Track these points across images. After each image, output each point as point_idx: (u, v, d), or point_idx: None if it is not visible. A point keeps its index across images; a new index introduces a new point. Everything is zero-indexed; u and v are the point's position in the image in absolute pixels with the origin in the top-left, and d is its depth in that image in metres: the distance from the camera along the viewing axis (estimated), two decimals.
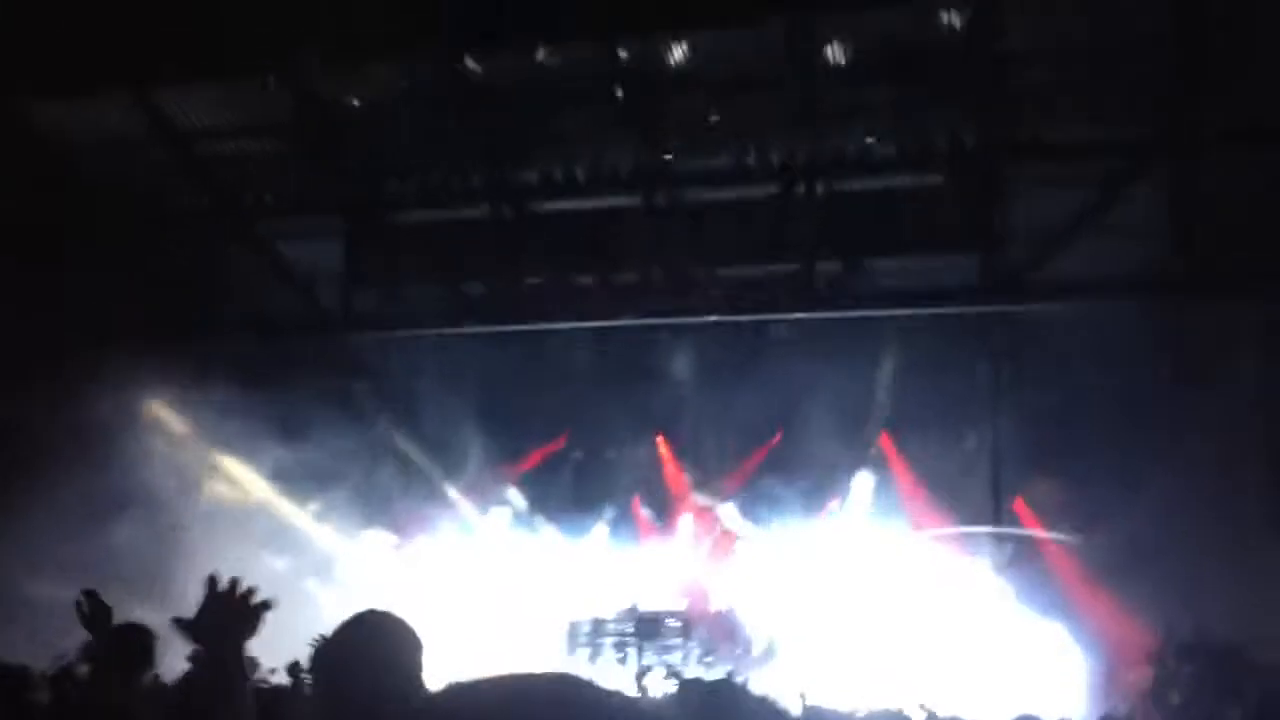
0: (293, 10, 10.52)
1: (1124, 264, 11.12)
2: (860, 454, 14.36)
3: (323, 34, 10.57)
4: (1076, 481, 12.59)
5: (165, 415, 13.04)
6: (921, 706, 8.37)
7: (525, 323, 13.39)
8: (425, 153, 12.37)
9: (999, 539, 13.79)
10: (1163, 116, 10.56)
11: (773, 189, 12.35)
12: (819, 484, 14.37)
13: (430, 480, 14.85)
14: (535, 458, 15.08)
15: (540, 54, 11.18)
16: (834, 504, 14.48)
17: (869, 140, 11.68)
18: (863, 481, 14.31)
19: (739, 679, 12.02)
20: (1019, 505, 13.85)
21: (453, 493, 14.92)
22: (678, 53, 11.33)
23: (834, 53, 10.86)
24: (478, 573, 14.45)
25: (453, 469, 14.78)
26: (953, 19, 10.10)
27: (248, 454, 13.34)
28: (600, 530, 14.98)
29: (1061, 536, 13.46)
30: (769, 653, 13.71)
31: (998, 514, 13.85)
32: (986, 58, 10.58)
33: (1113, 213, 10.82)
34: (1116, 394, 11.90)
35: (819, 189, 12.18)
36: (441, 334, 13.45)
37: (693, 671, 12.94)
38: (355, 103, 12.22)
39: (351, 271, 13.54)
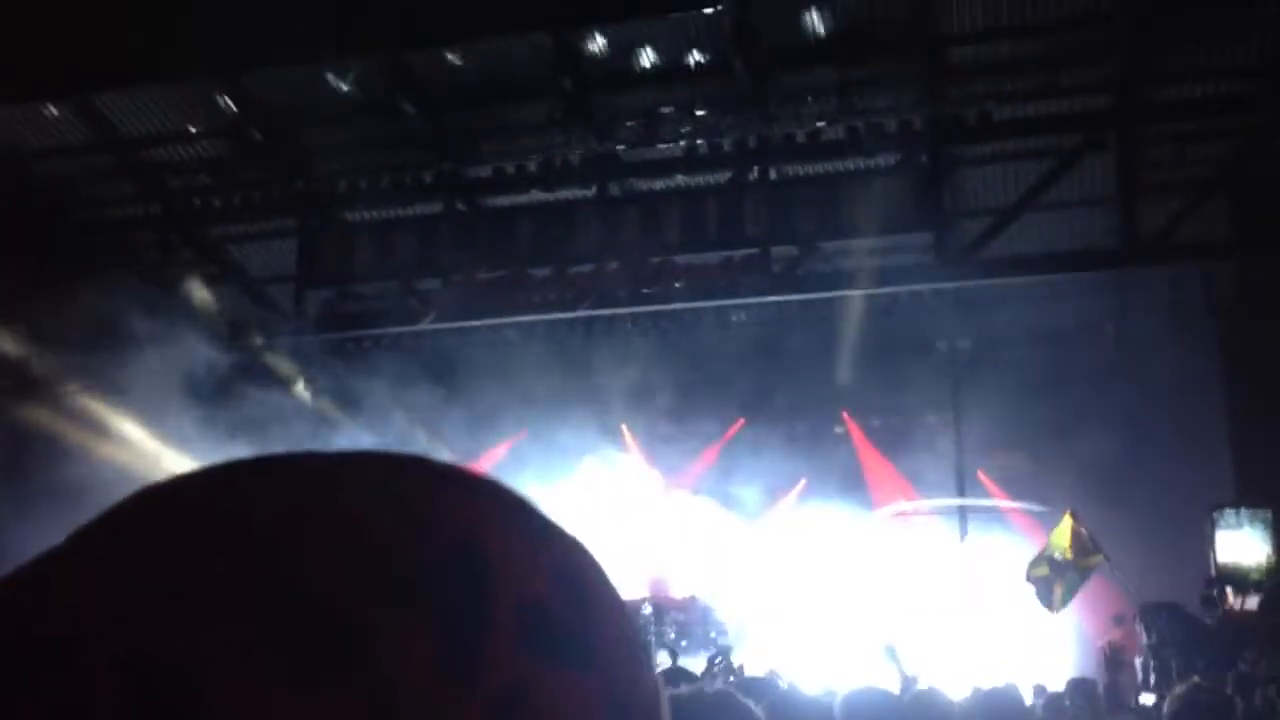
0: (235, 11, 10.66)
1: (1074, 238, 11.55)
2: (824, 434, 14.79)
3: (267, 34, 10.72)
4: (1036, 454, 13.09)
5: (127, 428, 13.17)
6: (898, 678, 8.72)
7: (482, 318, 13.63)
8: (375, 151, 12.57)
9: (964, 511, 14.28)
10: (1109, 92, 10.97)
11: (725, 176, 12.65)
12: (784, 465, 14.76)
13: None
14: (499, 451, 15.35)
15: (488, 48, 11.37)
16: (800, 484, 14.88)
17: (819, 124, 11.99)
18: (827, 461, 14.73)
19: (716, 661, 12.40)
20: (982, 478, 14.35)
21: None
22: (626, 42, 11.59)
23: (781, 38, 11.14)
24: None
25: None
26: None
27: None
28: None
29: (1025, 506, 13.96)
30: (740, 636, 14.10)
31: (961, 487, 14.35)
32: (932, 37, 10.93)
33: (1062, 188, 11.23)
34: (1071, 367, 12.36)
35: (771, 174, 12.50)
36: (398, 332, 13.68)
37: (664, 659, 13.33)
38: (302, 103, 12.38)
39: (305, 273, 13.70)
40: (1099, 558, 11.62)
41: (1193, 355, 12.11)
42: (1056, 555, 11.82)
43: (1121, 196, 10.98)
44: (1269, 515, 11.54)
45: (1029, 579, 11.77)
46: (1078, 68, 10.85)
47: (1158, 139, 11.08)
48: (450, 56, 11.64)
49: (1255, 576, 11.47)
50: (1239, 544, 11.67)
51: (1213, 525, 11.72)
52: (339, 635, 0.54)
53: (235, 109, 12.35)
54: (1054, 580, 11.87)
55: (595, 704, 0.61)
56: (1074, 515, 11.60)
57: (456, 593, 0.57)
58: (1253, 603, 11.40)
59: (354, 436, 14.63)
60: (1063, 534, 11.62)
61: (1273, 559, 11.45)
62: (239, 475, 0.62)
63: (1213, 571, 11.61)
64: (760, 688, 6.89)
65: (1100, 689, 11.17)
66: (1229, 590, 11.50)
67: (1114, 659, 12.49)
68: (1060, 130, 11.30)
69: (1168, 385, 12.17)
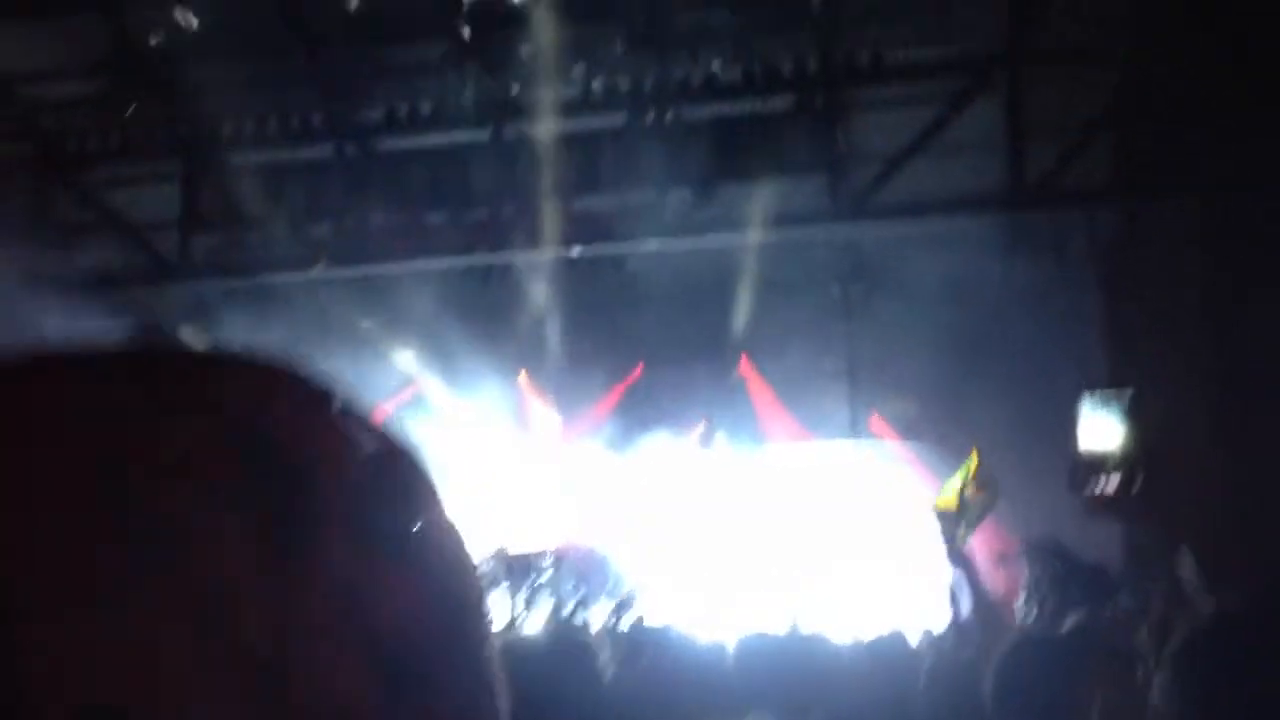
0: None
1: (965, 184, 11.77)
2: (721, 379, 14.94)
3: None
4: (929, 398, 13.42)
5: None
6: (788, 621, 8.95)
7: (375, 263, 13.47)
8: (262, 92, 12.30)
9: (856, 452, 14.60)
10: (1001, 35, 11.17)
11: (620, 119, 12.64)
12: (681, 412, 14.89)
13: None
14: (396, 399, 15.22)
15: None
16: (699, 428, 15.04)
17: (714, 67, 12.03)
18: (726, 406, 14.91)
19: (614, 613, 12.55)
20: (875, 421, 14.67)
21: None
22: None
23: None
24: None
25: None
26: None
27: None
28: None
29: (917, 447, 14.30)
30: (640, 586, 14.26)
31: (855, 429, 14.67)
32: None
33: (954, 134, 11.43)
34: (961, 313, 12.64)
35: (667, 117, 12.51)
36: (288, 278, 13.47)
37: (569, 610, 13.44)
38: (185, 41, 12.02)
39: (188, 217, 13.40)
40: (995, 496, 12.00)
41: (1079, 297, 12.49)
42: (965, 491, 12.18)
43: (1009, 142, 11.21)
44: (1128, 396, 12.03)
45: (937, 513, 12.13)
46: (969, 10, 11.03)
47: (1045, 83, 11.32)
48: None
49: (1112, 459, 12.03)
50: (1101, 428, 12.19)
51: (1077, 414, 12.21)
52: (162, 541, 0.53)
53: (114, 45, 11.96)
54: (960, 516, 12.24)
55: (416, 599, 0.61)
56: (978, 452, 11.95)
57: (274, 490, 0.57)
58: (1112, 485, 11.97)
59: None
60: (967, 470, 11.97)
61: (1130, 437, 11.97)
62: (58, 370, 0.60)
63: (1077, 456, 12.15)
64: (656, 638, 7.00)
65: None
66: (1092, 475, 12.06)
67: (998, 598, 12.90)
68: (950, 74, 11.50)
69: (1056, 328, 12.55)
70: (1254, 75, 9.37)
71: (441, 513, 0.65)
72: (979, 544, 13.23)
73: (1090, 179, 11.39)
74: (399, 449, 0.66)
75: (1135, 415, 12.10)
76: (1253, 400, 10.56)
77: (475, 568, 0.70)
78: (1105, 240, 12.40)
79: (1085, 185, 11.48)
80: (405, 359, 15.09)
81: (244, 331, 14.29)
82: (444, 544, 0.64)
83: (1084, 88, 11.18)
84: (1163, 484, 11.69)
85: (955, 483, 12.58)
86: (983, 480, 12.39)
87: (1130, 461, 12.02)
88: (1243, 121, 9.73)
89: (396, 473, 0.65)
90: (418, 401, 15.25)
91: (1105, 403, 12.30)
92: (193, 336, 14.25)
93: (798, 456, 14.63)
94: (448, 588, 0.63)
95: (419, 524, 0.62)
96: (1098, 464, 12.24)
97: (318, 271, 13.34)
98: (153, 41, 12.02)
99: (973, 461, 12.37)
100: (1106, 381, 12.42)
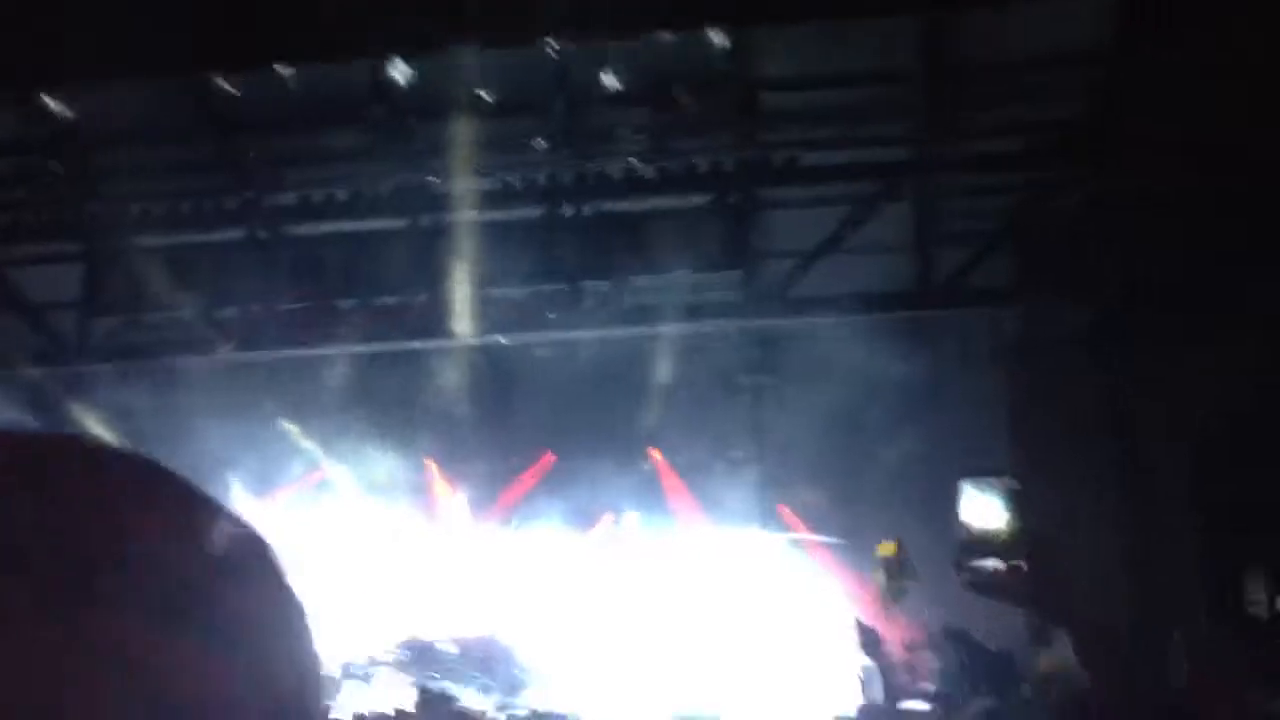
0: (28, 24, 10.17)
1: (874, 282, 12.19)
2: (630, 468, 15.02)
3: (64, 49, 10.27)
4: (835, 489, 13.71)
5: None
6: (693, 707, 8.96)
7: (282, 349, 13.31)
8: (174, 175, 12.16)
9: (765, 543, 14.77)
10: (910, 142, 11.68)
11: (538, 210, 12.78)
12: (592, 501, 14.92)
13: None
14: (302, 485, 14.97)
15: (298, 73, 11.19)
16: (607, 519, 15.07)
17: (632, 162, 12.27)
18: (636, 495, 14.98)
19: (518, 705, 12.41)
20: (784, 512, 14.88)
21: None
22: (445, 73, 11.58)
23: (602, 76, 11.37)
24: None
25: None
26: (716, 45, 10.79)
27: None
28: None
29: (826, 540, 14.56)
30: (544, 674, 14.15)
31: (765, 520, 14.86)
32: (744, 82, 11.39)
33: (866, 233, 11.86)
34: (868, 404, 12.98)
35: (585, 210, 12.71)
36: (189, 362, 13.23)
37: (471, 698, 13.27)
38: (98, 123, 11.86)
39: (90, 299, 13.11)
40: (912, 582, 12.45)
41: (981, 391, 12.95)
42: (882, 578, 12.79)
43: (918, 243, 11.69)
44: (1010, 484, 12.57)
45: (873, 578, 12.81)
46: (879, 120, 11.52)
47: (950, 190, 11.84)
48: (256, 80, 11.37)
49: (996, 544, 12.56)
50: (986, 513, 12.71)
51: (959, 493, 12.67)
52: None
53: (21, 124, 11.73)
54: (871, 598, 12.85)
55: (214, 673, 0.68)
56: (899, 541, 12.56)
57: (61, 558, 0.64)
58: (1000, 565, 12.46)
59: None
60: (888, 550, 12.59)
61: (1013, 523, 12.51)
62: None
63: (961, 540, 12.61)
64: None
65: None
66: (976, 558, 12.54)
67: (905, 683, 13.14)
68: (862, 177, 11.95)
69: (958, 420, 12.98)
70: (1149, 195, 9.99)
71: (275, 602, 0.72)
72: (888, 632, 13.54)
73: (994, 280, 11.90)
74: (239, 538, 0.74)
75: (1019, 503, 12.63)
76: (1141, 491, 11.10)
77: (312, 656, 0.77)
78: (1007, 338, 12.91)
79: (988, 286, 11.99)
80: (311, 443, 14.86)
81: (143, 415, 13.94)
82: (269, 630, 0.71)
83: (987, 194, 11.74)
84: (1051, 568, 12.15)
85: (873, 564, 13.09)
86: (900, 568, 12.84)
87: (1015, 547, 12.51)
88: (1138, 235, 10.34)
89: (224, 561, 0.72)
90: (323, 486, 15.02)
91: (988, 490, 12.84)
92: (84, 418, 13.87)
93: (705, 545, 14.74)
94: (266, 670, 0.70)
95: (238, 609, 0.69)
96: (982, 548, 12.69)
97: (223, 355, 13.13)
98: (61, 124, 11.81)
99: (892, 547, 12.84)
100: (997, 470, 12.91)
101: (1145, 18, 9.43)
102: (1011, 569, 12.52)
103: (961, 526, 12.85)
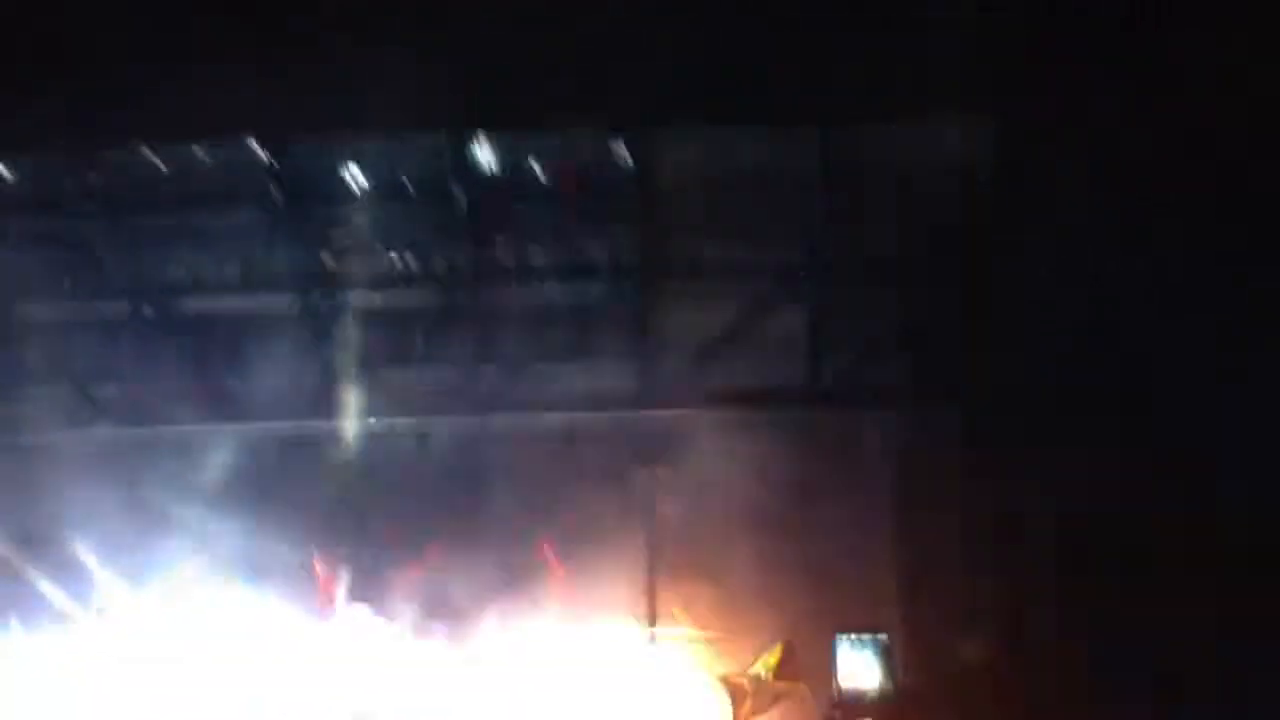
0: None
1: (768, 376, 12.36)
2: (517, 560, 14.78)
3: None
4: (724, 584, 13.67)
5: None
6: None
7: (161, 425, 13.00)
8: (57, 249, 11.91)
9: (654, 639, 14.64)
10: (807, 243, 11.98)
11: (432, 295, 12.76)
12: (481, 591, 14.64)
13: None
14: (179, 573, 14.45)
15: (197, 151, 11.12)
16: (495, 610, 14.78)
17: (530, 253, 12.36)
18: (525, 586, 14.73)
19: None
20: (671, 606, 14.79)
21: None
22: (340, 158, 11.61)
23: (500, 168, 11.49)
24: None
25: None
26: (618, 148, 11.00)
27: None
28: None
29: (711, 635, 14.48)
30: None
31: (652, 616, 14.75)
32: (649, 182, 11.63)
33: (765, 330, 12.07)
34: (762, 501, 13.03)
35: (479, 298, 12.72)
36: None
37: None
38: None
39: None
40: (800, 687, 12.43)
41: (869, 497, 13.13)
42: (762, 672, 12.66)
43: (809, 344, 11.93)
44: (884, 640, 12.66)
45: (724, 685, 12.66)
46: (780, 220, 11.80)
47: (846, 294, 12.13)
48: (154, 156, 11.28)
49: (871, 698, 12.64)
50: (859, 669, 12.78)
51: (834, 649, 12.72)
52: None
53: None
54: (745, 694, 12.70)
55: None
56: (788, 645, 12.58)
57: None
58: None
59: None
60: (773, 657, 12.52)
61: (886, 682, 12.61)
62: None
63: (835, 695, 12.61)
64: None
65: None
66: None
67: None
68: (763, 275, 12.19)
69: (844, 523, 13.13)
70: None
71: None
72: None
73: (885, 381, 12.16)
74: None
75: (891, 660, 12.80)
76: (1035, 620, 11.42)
77: None
78: (896, 440, 13.13)
79: (878, 389, 12.24)
80: (193, 525, 14.36)
81: (8, 491, 13.43)
82: None
83: (880, 299, 12.05)
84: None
85: (755, 664, 12.99)
86: (788, 672, 12.80)
87: (887, 705, 12.68)
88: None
89: None
90: (201, 573, 14.52)
91: (863, 647, 12.95)
92: None
93: (591, 645, 14.56)
94: None
95: None
96: (858, 704, 12.82)
97: (99, 430, 12.79)
98: None
99: (778, 651, 12.80)
100: (872, 628, 13.04)
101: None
102: None
103: (835, 685, 12.95)
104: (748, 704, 13.27)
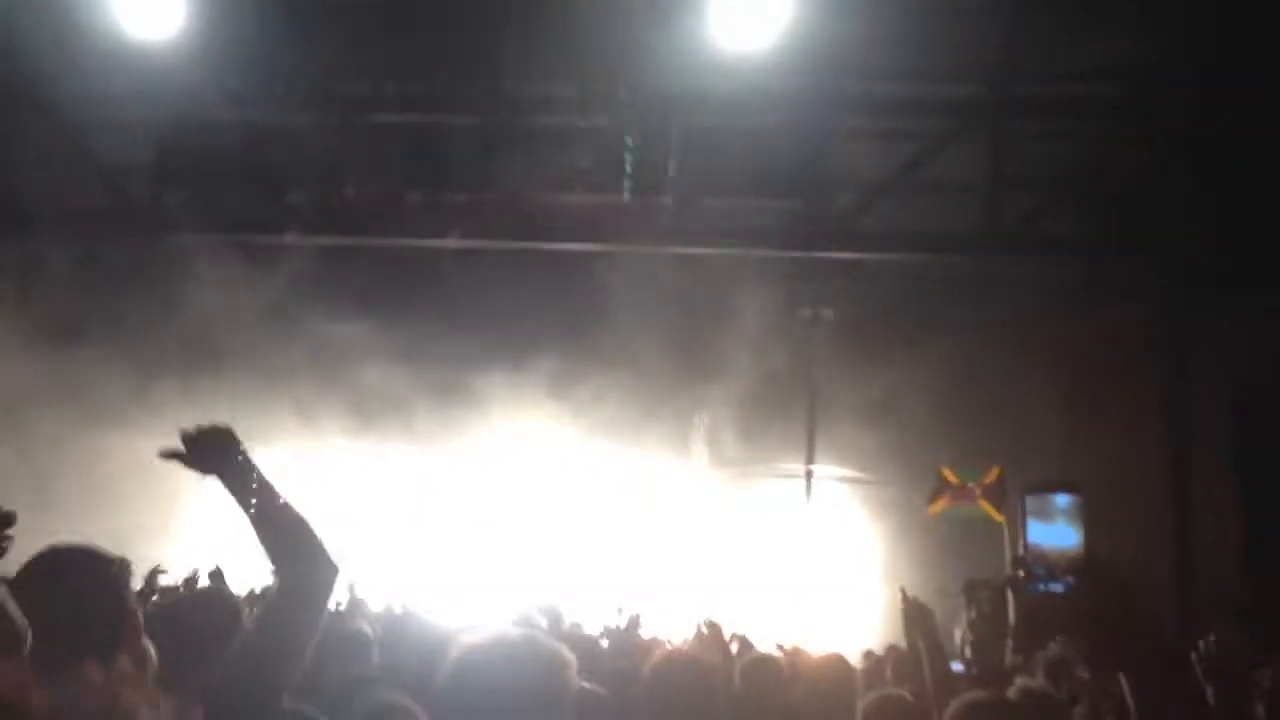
0: None
1: (941, 221, 12.10)
2: (688, 396, 15.00)
3: None
4: (886, 428, 13.69)
5: None
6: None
7: (348, 236, 13.57)
8: (248, 55, 12.38)
9: (811, 477, 14.91)
10: (985, 80, 11.55)
11: (602, 119, 12.80)
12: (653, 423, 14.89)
13: None
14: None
15: None
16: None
17: None
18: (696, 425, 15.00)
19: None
20: (833, 447, 14.95)
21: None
22: None
23: None
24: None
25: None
26: None
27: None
28: None
29: (871, 479, 14.63)
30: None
31: (811, 455, 14.98)
32: None
33: (934, 171, 11.78)
34: (936, 350, 12.90)
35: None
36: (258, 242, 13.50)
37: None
38: None
39: (163, 168, 13.41)
40: (1000, 518, 12.55)
41: (1035, 356, 12.90)
42: (968, 483, 12.82)
43: (987, 185, 11.59)
44: (1080, 501, 12.35)
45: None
46: (957, 54, 11.39)
47: (1024, 134, 11.70)
48: None
49: (1060, 562, 12.30)
50: (1049, 528, 12.52)
51: (1024, 508, 12.52)
52: None
53: None
54: (943, 491, 12.87)
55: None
56: (1002, 474, 12.68)
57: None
58: (1058, 587, 12.26)
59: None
60: (988, 476, 12.65)
61: (1078, 547, 12.25)
62: None
63: (1021, 552, 12.39)
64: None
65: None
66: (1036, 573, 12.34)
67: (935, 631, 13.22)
68: (935, 114, 11.85)
69: (1012, 370, 12.95)
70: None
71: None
72: (922, 575, 13.60)
73: (1062, 228, 11.81)
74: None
75: (1084, 518, 12.35)
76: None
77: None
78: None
79: (1056, 234, 11.90)
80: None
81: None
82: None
83: (1060, 139, 11.61)
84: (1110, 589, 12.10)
85: (960, 477, 13.09)
86: (997, 495, 12.82)
87: (1078, 567, 12.34)
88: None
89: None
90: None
91: (1053, 507, 12.49)
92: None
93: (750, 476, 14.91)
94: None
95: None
96: (1045, 567, 12.58)
97: (289, 237, 13.42)
98: None
99: (994, 474, 12.87)
100: (1064, 484, 12.62)
101: None
102: (1072, 594, 12.38)
103: (1023, 543, 12.56)
104: (945, 498, 13.30)
